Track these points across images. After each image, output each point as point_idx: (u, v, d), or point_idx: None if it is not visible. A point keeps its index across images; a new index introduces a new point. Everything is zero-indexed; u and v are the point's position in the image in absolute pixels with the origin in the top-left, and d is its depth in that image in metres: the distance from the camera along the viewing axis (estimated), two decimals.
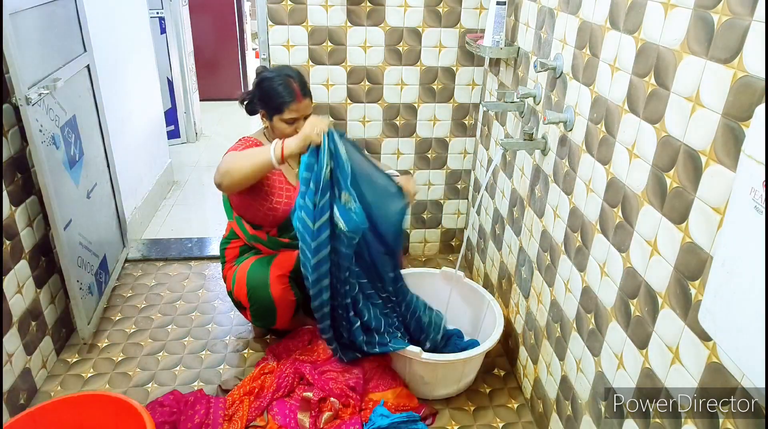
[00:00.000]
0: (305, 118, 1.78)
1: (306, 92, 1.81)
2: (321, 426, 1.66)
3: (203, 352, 2.03)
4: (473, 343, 1.95)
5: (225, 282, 1.99)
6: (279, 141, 1.64)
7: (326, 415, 1.68)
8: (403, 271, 2.08)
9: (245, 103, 1.92)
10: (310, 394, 1.71)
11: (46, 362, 1.89)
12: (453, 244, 2.72)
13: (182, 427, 1.64)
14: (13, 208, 1.70)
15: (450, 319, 2.07)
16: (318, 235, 1.58)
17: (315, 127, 1.58)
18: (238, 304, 1.97)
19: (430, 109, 2.39)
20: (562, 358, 1.56)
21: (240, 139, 1.87)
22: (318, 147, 1.58)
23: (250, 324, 2.17)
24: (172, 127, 4.21)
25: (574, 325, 1.47)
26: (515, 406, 1.85)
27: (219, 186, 1.70)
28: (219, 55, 5.32)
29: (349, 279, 1.66)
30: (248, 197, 1.83)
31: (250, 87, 1.93)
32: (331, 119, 1.71)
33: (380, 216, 1.68)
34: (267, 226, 1.90)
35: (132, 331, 2.13)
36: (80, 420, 1.48)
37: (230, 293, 1.95)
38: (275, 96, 1.77)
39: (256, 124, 2.00)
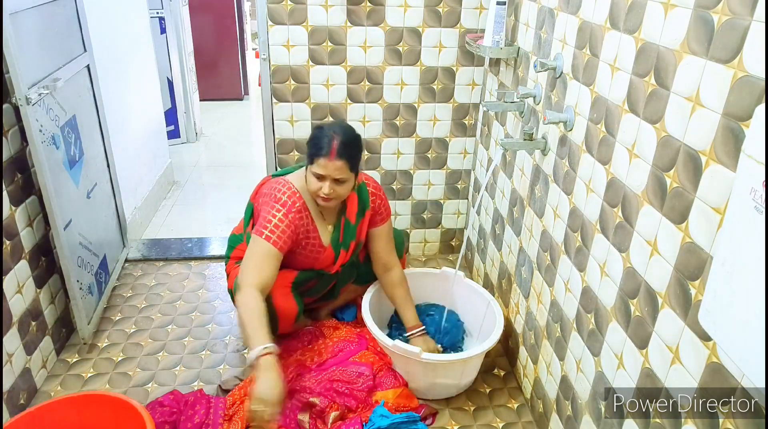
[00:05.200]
0: (336, 181, 1.70)
1: (342, 154, 1.68)
2: (326, 426, 1.66)
3: (203, 352, 2.03)
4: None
5: (227, 279, 1.99)
6: (264, 351, 1.49)
7: (333, 414, 1.68)
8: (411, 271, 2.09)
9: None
10: (316, 401, 1.70)
11: (46, 362, 1.89)
12: (453, 244, 2.72)
13: (182, 427, 1.64)
14: (13, 208, 1.70)
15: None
16: None
17: (253, 415, 1.43)
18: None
19: (430, 109, 2.39)
20: (562, 358, 1.56)
21: (282, 187, 1.78)
22: None
23: None
24: (172, 127, 4.21)
25: (574, 325, 1.47)
26: (515, 406, 1.85)
27: (234, 295, 1.71)
28: (219, 55, 5.32)
29: None
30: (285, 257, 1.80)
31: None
32: (276, 411, 1.47)
33: None
34: (290, 267, 1.88)
35: (132, 331, 2.13)
36: (81, 420, 1.48)
37: (231, 291, 1.95)
38: (312, 145, 1.72)
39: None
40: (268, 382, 1.46)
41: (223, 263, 2.10)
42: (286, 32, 2.18)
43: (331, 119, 2.35)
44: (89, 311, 2.03)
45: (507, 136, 2.02)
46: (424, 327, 1.93)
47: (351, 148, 1.72)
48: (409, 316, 1.93)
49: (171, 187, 3.56)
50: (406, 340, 1.87)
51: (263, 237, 1.70)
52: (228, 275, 1.98)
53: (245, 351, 2.04)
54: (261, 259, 1.70)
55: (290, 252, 1.82)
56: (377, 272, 2.00)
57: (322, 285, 2.01)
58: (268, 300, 1.78)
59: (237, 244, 1.99)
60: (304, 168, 1.81)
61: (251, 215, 1.95)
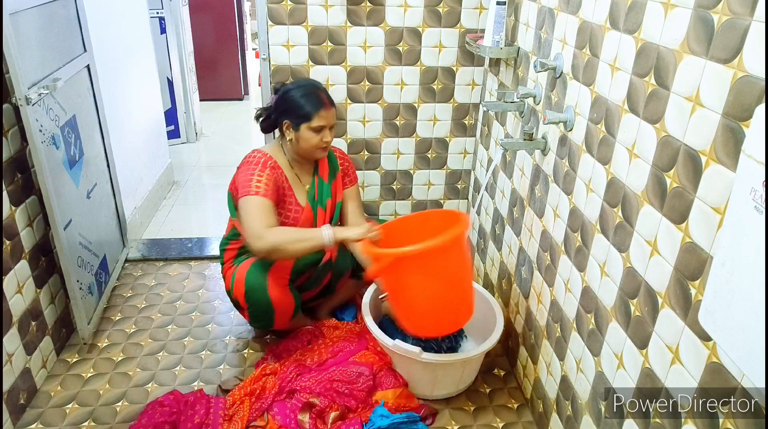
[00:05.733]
0: (330, 128, 1.85)
1: (332, 101, 1.86)
2: (326, 426, 1.66)
3: (203, 352, 2.03)
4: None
5: (224, 281, 1.99)
6: (329, 229, 1.71)
7: (333, 414, 1.68)
8: None
9: (262, 118, 1.94)
10: (316, 401, 1.70)
11: (46, 362, 1.89)
12: None
13: (182, 427, 1.64)
14: (13, 208, 1.70)
15: None
16: None
17: (357, 232, 1.70)
18: (237, 304, 1.97)
19: (430, 109, 2.39)
20: (562, 358, 1.56)
21: (252, 154, 1.86)
22: None
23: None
24: (172, 127, 4.21)
25: (574, 325, 1.47)
26: (515, 406, 1.85)
27: (262, 253, 1.72)
28: (219, 55, 5.32)
29: None
30: None
31: (267, 103, 1.96)
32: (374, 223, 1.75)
33: None
34: None
35: (132, 331, 2.13)
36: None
37: (229, 292, 1.95)
38: (303, 104, 1.81)
39: (256, 125, 2.00)
40: (350, 229, 1.75)
41: (220, 264, 2.10)
42: (286, 32, 2.18)
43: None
44: (89, 311, 2.03)
45: (507, 136, 2.02)
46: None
47: (328, 92, 1.89)
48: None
49: (171, 187, 3.56)
50: (405, 340, 1.87)
51: (251, 194, 1.76)
52: (224, 277, 1.98)
53: (245, 351, 2.04)
54: (261, 210, 1.74)
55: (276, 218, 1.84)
56: None
57: (318, 275, 2.02)
58: (263, 293, 1.80)
59: (225, 246, 2.00)
60: (279, 140, 1.93)
61: (233, 204, 1.94)
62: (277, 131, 1.95)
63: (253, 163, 1.83)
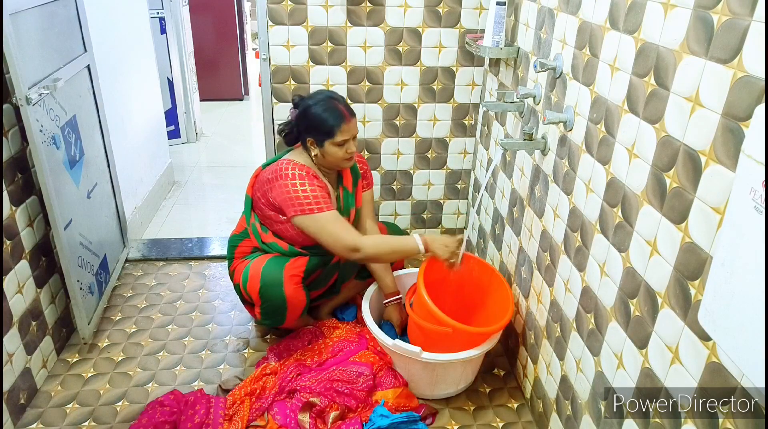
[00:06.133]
0: (353, 138, 1.85)
1: (351, 111, 1.84)
2: (326, 426, 1.66)
3: (203, 352, 2.03)
4: None
5: (232, 276, 1.98)
6: (420, 238, 1.79)
7: (333, 414, 1.68)
8: (403, 271, 2.10)
9: (285, 133, 1.94)
10: (317, 401, 1.70)
11: (46, 362, 1.89)
12: None
13: (182, 427, 1.64)
14: (14, 208, 1.70)
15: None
16: None
17: (447, 251, 1.78)
18: (245, 300, 1.96)
19: (430, 109, 2.39)
20: (561, 357, 1.56)
21: (288, 167, 1.81)
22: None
23: (251, 324, 2.17)
24: (172, 127, 4.21)
25: (574, 325, 1.47)
26: (515, 405, 1.85)
27: (359, 261, 1.88)
28: (219, 55, 5.32)
29: None
30: (287, 221, 1.85)
31: (288, 117, 1.94)
32: (460, 237, 1.83)
33: None
34: (297, 244, 1.90)
35: (132, 330, 2.13)
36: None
37: (237, 287, 1.94)
38: (324, 121, 1.79)
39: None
40: (439, 239, 1.81)
41: (225, 263, 2.10)
42: (286, 32, 2.18)
43: None
44: (89, 311, 2.03)
45: (507, 136, 2.02)
46: (401, 295, 1.98)
47: (346, 102, 1.88)
48: (388, 282, 1.99)
49: (171, 187, 3.56)
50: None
51: (317, 212, 1.77)
52: (234, 272, 1.97)
53: (245, 350, 2.04)
54: (339, 224, 1.79)
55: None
56: None
57: (326, 275, 2.02)
58: (279, 290, 1.81)
59: (238, 243, 1.99)
60: (304, 155, 1.89)
61: (251, 208, 1.96)
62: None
63: (295, 177, 1.79)
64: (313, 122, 1.81)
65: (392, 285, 1.99)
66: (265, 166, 1.94)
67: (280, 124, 1.97)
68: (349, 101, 2.32)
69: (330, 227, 1.77)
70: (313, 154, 1.86)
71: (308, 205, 1.77)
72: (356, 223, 2.05)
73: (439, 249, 1.79)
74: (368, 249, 1.77)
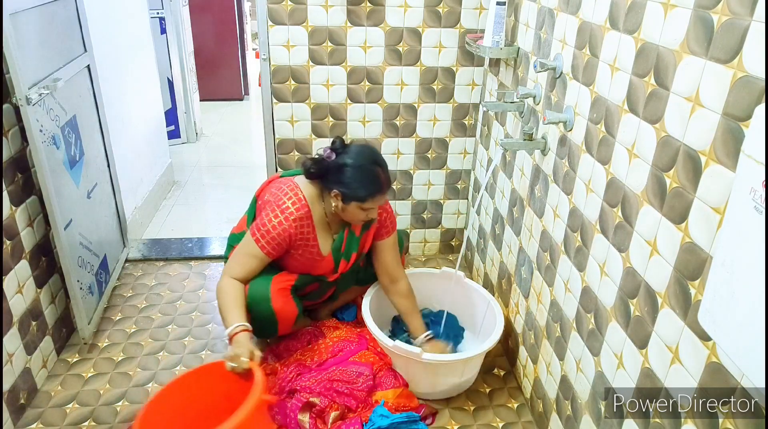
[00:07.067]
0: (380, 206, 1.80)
1: (390, 182, 1.78)
2: (326, 426, 1.66)
3: (203, 352, 2.03)
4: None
5: None
6: (236, 329, 1.59)
7: (333, 414, 1.68)
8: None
9: (311, 172, 1.78)
10: (316, 401, 1.70)
11: (46, 362, 1.89)
12: (453, 244, 2.72)
13: None
14: (14, 208, 1.70)
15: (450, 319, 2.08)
16: None
17: (236, 361, 1.47)
18: None
19: (430, 109, 2.39)
20: (561, 357, 1.56)
21: (290, 192, 1.77)
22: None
23: None
24: (172, 127, 4.21)
25: (574, 325, 1.47)
26: (515, 405, 1.85)
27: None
28: (219, 55, 5.32)
29: None
30: (281, 259, 1.84)
31: (318, 153, 1.79)
32: (251, 350, 1.52)
33: None
34: (289, 270, 1.89)
35: (132, 330, 2.13)
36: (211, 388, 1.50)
37: None
38: (361, 187, 1.71)
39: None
40: (240, 345, 1.54)
41: (223, 263, 2.10)
42: (286, 32, 2.18)
43: (331, 120, 2.35)
44: (89, 311, 2.03)
45: (507, 136, 2.02)
46: (431, 332, 1.91)
47: (388, 172, 1.78)
48: (417, 325, 1.91)
49: (171, 187, 3.56)
50: (409, 342, 1.87)
51: (254, 238, 1.75)
52: None
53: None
54: (248, 259, 1.77)
55: (288, 255, 1.83)
56: (383, 283, 1.97)
57: (321, 290, 2.01)
58: (267, 305, 1.78)
59: (236, 242, 1.99)
60: (315, 189, 1.80)
61: (254, 211, 1.95)
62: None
63: (283, 206, 1.74)
64: (349, 182, 1.71)
65: (420, 327, 1.91)
66: (283, 175, 1.93)
67: (307, 159, 1.79)
68: (349, 101, 2.32)
69: (240, 252, 1.77)
70: (333, 204, 1.76)
71: (258, 230, 1.74)
72: (381, 271, 1.96)
73: (237, 351, 1.49)
74: (220, 284, 1.74)
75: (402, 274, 1.96)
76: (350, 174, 1.71)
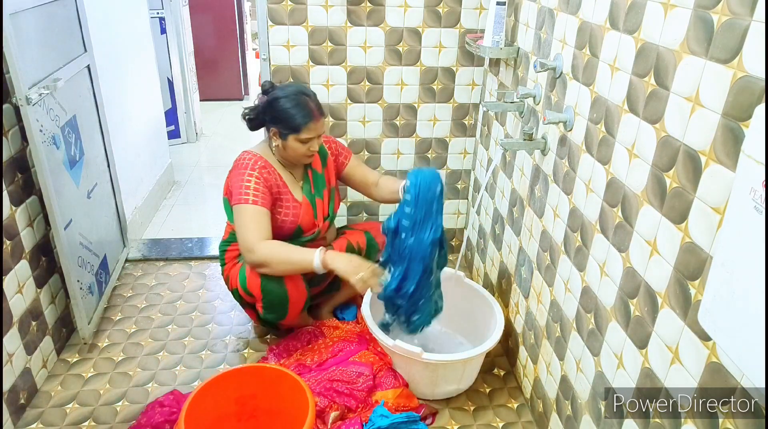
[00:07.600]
0: (318, 136, 1.84)
1: (322, 111, 1.84)
2: (326, 426, 1.66)
3: (203, 352, 2.03)
4: None
5: (228, 282, 1.98)
6: (323, 252, 1.71)
7: (333, 414, 1.68)
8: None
9: (249, 118, 1.90)
10: (317, 401, 1.70)
11: (46, 362, 1.89)
12: (453, 244, 2.72)
13: None
14: (14, 208, 1.70)
15: (450, 319, 2.08)
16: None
17: (365, 284, 1.68)
18: (243, 300, 1.95)
19: (430, 109, 2.39)
20: (561, 357, 1.56)
21: (242, 157, 1.85)
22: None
23: (251, 324, 2.17)
24: (172, 127, 4.21)
25: (574, 325, 1.47)
26: (515, 405, 1.85)
27: (252, 266, 1.78)
28: (219, 55, 5.32)
29: None
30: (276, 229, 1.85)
31: (254, 102, 1.92)
32: (374, 266, 1.72)
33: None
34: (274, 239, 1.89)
35: (132, 330, 2.13)
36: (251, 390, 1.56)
37: (235, 291, 1.93)
38: (292, 116, 1.78)
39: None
40: (344, 258, 1.72)
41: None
42: (286, 32, 2.18)
43: (331, 120, 2.35)
44: (89, 311, 2.03)
45: (507, 136, 2.02)
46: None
47: (318, 101, 1.86)
48: (396, 187, 1.96)
49: (171, 187, 3.56)
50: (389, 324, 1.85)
51: (244, 202, 1.77)
52: (228, 277, 1.98)
53: (245, 350, 2.04)
54: (253, 220, 1.77)
55: (275, 218, 1.85)
56: (369, 194, 2.09)
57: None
58: (280, 282, 1.80)
59: (226, 247, 2.00)
60: (267, 140, 1.91)
61: (230, 209, 1.94)
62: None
63: (243, 166, 1.82)
64: (280, 114, 1.80)
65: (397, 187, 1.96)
66: None
67: (245, 109, 1.92)
68: (349, 101, 2.32)
69: (243, 221, 1.76)
70: (274, 144, 1.87)
71: (241, 195, 1.77)
72: (362, 188, 2.09)
73: (344, 267, 1.70)
74: (261, 252, 1.72)
75: (376, 174, 2.10)
76: (279, 108, 1.79)
